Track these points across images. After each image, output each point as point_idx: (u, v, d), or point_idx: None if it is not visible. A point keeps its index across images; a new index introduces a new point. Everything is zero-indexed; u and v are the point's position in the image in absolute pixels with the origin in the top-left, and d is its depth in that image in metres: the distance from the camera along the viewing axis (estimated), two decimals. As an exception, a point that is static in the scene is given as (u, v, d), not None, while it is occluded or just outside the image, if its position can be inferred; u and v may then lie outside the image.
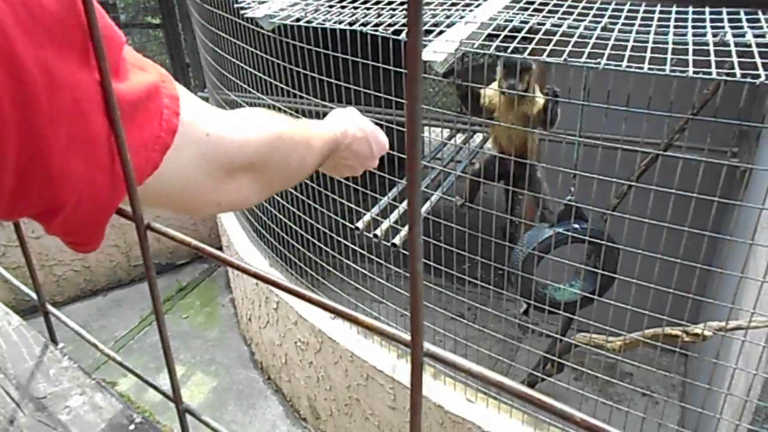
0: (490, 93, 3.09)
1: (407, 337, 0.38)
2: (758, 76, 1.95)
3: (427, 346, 0.38)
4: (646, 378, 4.84)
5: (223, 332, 6.06)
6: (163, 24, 6.86)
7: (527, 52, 2.32)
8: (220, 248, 6.42)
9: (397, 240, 3.19)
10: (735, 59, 2.09)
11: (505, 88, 2.94)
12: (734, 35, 2.28)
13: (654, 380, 4.84)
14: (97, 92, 0.48)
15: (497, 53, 2.32)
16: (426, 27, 2.49)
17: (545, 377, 3.95)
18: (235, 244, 5.22)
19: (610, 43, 2.29)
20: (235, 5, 3.23)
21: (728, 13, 2.49)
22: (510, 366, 4.48)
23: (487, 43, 2.37)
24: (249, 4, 3.08)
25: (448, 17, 2.64)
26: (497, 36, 2.49)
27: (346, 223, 3.50)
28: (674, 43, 2.22)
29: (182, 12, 6.50)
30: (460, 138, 4.50)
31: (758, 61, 2.05)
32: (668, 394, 4.79)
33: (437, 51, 2.31)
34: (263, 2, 3.08)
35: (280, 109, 3.74)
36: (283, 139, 0.72)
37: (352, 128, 0.98)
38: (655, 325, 2.80)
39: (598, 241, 2.93)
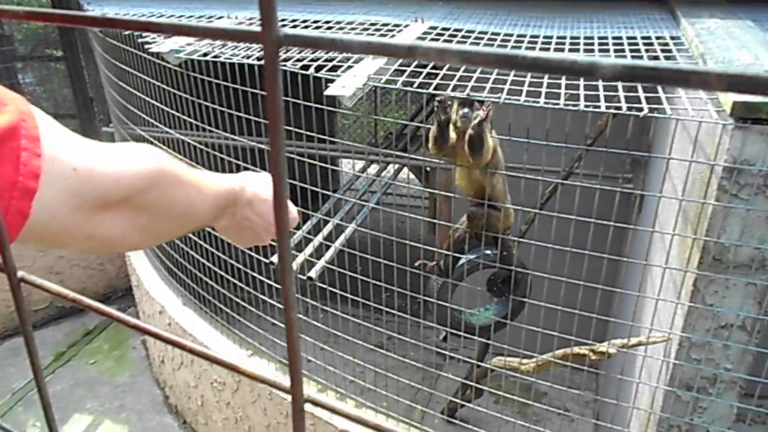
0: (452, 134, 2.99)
1: (287, 384, 0.38)
2: (641, 109, 2.11)
3: (307, 392, 0.38)
4: (561, 397, 5.00)
5: (134, 376, 5.76)
6: (64, 57, 6.58)
7: (432, 87, 2.40)
8: (129, 288, 6.14)
9: (313, 273, 3.17)
10: (621, 93, 2.25)
11: (459, 118, 2.83)
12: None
13: (569, 398, 5.00)
14: None
15: (404, 88, 2.38)
16: (335, 62, 2.53)
17: (465, 403, 4.00)
18: (145, 284, 5.01)
19: (509, 78, 2.41)
20: (139, 39, 3.15)
21: (614, 51, 2.69)
22: (431, 394, 4.51)
23: (394, 78, 2.43)
24: (154, 38, 3.02)
25: (355, 53, 2.69)
26: (404, 71, 2.56)
27: (261, 258, 3.44)
28: (567, 78, 2.36)
29: (84, 45, 6.27)
30: (374, 169, 4.55)
31: (642, 95, 2.22)
32: (582, 411, 4.96)
33: (345, 86, 2.35)
34: (169, 37, 3.03)
35: (189, 144, 3.66)
36: (165, 174, 0.68)
37: (257, 187, 0.93)
38: (566, 345, 2.92)
39: (508, 267, 3.03)
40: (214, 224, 0.86)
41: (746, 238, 2.13)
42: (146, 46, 3.06)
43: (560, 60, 0.23)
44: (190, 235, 4.08)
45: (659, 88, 2.26)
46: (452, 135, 2.90)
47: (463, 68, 2.53)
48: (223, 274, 3.86)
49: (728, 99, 2.00)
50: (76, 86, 6.64)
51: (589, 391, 5.06)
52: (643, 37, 2.85)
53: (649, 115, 2.12)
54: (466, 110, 2.80)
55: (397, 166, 4.33)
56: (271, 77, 0.30)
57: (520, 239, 3.29)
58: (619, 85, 2.36)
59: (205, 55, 2.76)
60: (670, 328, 2.46)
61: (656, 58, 2.61)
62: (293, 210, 0.98)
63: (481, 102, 2.74)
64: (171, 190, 0.70)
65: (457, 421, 4.48)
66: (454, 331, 3.29)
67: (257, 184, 0.93)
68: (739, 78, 0.21)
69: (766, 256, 2.15)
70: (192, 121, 3.51)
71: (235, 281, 3.77)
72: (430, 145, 2.91)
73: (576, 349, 2.87)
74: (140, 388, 5.60)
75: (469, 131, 2.76)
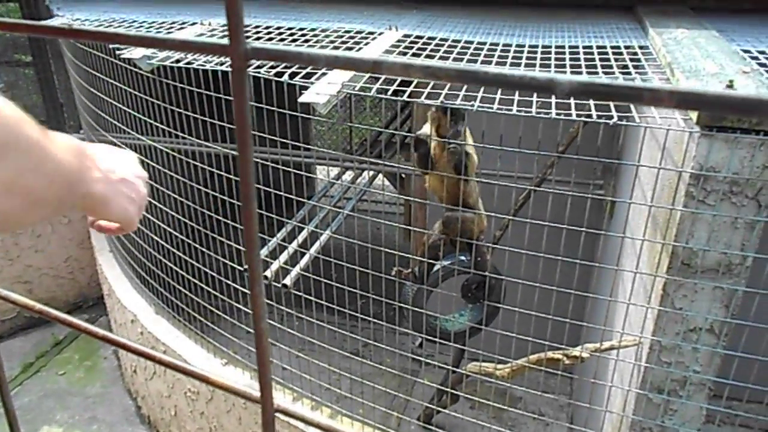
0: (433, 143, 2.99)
1: (257, 394, 0.38)
2: (611, 117, 2.15)
3: (278, 402, 0.38)
4: (536, 401, 5.03)
5: (105, 387, 5.65)
6: (33, 62, 6.47)
7: (406, 95, 2.41)
8: (101, 297, 6.04)
9: (288, 281, 3.15)
10: (592, 102, 2.29)
11: (449, 135, 2.84)
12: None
13: (544, 403, 5.04)
14: None
15: (378, 95, 2.39)
16: (308, 69, 2.53)
17: (441, 409, 4.01)
18: (116, 292, 4.93)
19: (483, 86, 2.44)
20: (111, 45, 3.12)
21: (585, 60, 2.73)
22: (407, 401, 4.51)
23: (368, 85, 2.44)
24: (123, 46, 2.99)
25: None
26: (378, 78, 2.57)
27: (235, 266, 3.41)
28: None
29: (54, 50, 6.17)
30: (349, 176, 4.56)
31: (611, 103, 2.26)
32: (557, 415, 5.01)
33: (320, 93, 2.35)
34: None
35: (160, 150, 3.62)
36: (7, 116, 0.60)
37: (108, 152, 0.85)
38: (540, 350, 2.95)
39: (482, 273, 3.05)
40: (88, 185, 0.76)
41: (713, 242, 2.18)
42: (118, 52, 3.03)
43: (520, 77, 0.24)
44: (164, 242, 4.03)
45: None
46: (432, 147, 2.94)
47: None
48: (196, 282, 3.82)
49: (694, 107, 2.05)
50: (45, 91, 6.53)
51: (563, 395, 5.11)
52: (612, 47, 2.91)
53: (619, 123, 2.16)
54: (459, 128, 2.83)
55: (372, 172, 4.34)
56: (239, 90, 0.30)
57: (494, 245, 3.32)
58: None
59: (177, 61, 2.74)
60: (641, 332, 2.50)
61: (625, 67, 2.67)
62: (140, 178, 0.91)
63: (458, 110, 2.77)
64: (20, 129, 0.63)
65: (433, 428, 4.49)
66: (429, 338, 3.30)
67: (112, 155, 0.87)
68: (688, 95, 0.22)
69: (732, 260, 2.20)
70: (164, 127, 3.47)
71: (209, 289, 3.73)
72: (416, 165, 2.97)
73: (550, 354, 2.90)
74: (112, 399, 5.50)
75: (451, 160, 2.84)
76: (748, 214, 2.12)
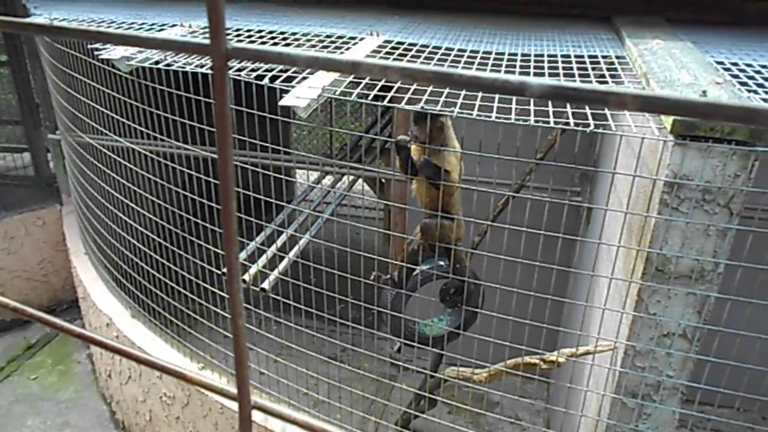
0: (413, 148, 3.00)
1: (234, 391, 0.38)
2: (588, 125, 2.18)
3: (254, 398, 0.38)
4: (513, 406, 5.07)
5: (78, 392, 5.56)
6: (9, 61, 6.36)
7: (387, 99, 2.42)
8: (75, 300, 5.94)
9: (266, 284, 3.14)
10: (570, 110, 2.33)
11: (410, 137, 2.88)
12: (568, 88, 2.54)
13: (521, 408, 5.08)
14: None
15: (359, 100, 2.40)
16: (289, 73, 2.53)
17: (419, 414, 4.02)
18: (91, 295, 4.86)
19: (463, 92, 2.46)
20: (89, 46, 3.09)
21: (563, 69, 2.77)
22: (385, 406, 4.51)
23: (348, 90, 2.45)
24: (104, 45, 2.96)
25: (311, 64, 2.70)
26: (359, 83, 2.58)
27: (213, 269, 3.39)
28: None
29: (30, 49, 6.08)
30: (329, 180, 4.56)
31: (588, 111, 2.30)
32: (534, 420, 5.04)
33: (300, 96, 2.35)
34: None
35: (139, 153, 3.59)
36: None
37: None
38: (517, 355, 2.97)
39: (461, 278, 3.07)
40: None
41: (686, 249, 2.23)
42: (96, 53, 3.00)
43: (493, 79, 0.25)
44: (141, 245, 3.99)
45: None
46: (414, 152, 2.96)
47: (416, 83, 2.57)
48: (174, 285, 3.79)
49: (669, 117, 2.10)
50: (21, 91, 6.43)
51: (540, 399, 5.15)
52: (590, 56, 2.95)
53: (596, 131, 2.20)
54: (414, 128, 2.86)
55: (352, 177, 4.34)
56: (220, 90, 0.31)
57: (473, 250, 3.34)
58: (568, 101, 2.43)
59: (156, 63, 2.72)
60: (616, 337, 2.53)
61: (602, 76, 2.71)
62: None
63: (437, 116, 2.79)
64: None
65: (410, 432, 4.49)
66: (408, 342, 3.30)
67: None
68: (652, 99, 0.23)
69: (704, 267, 2.25)
70: (142, 129, 3.44)
71: (187, 293, 3.70)
72: (399, 169, 2.97)
73: (527, 359, 2.92)
74: (85, 404, 5.41)
75: (424, 172, 2.84)
76: (720, 221, 2.17)
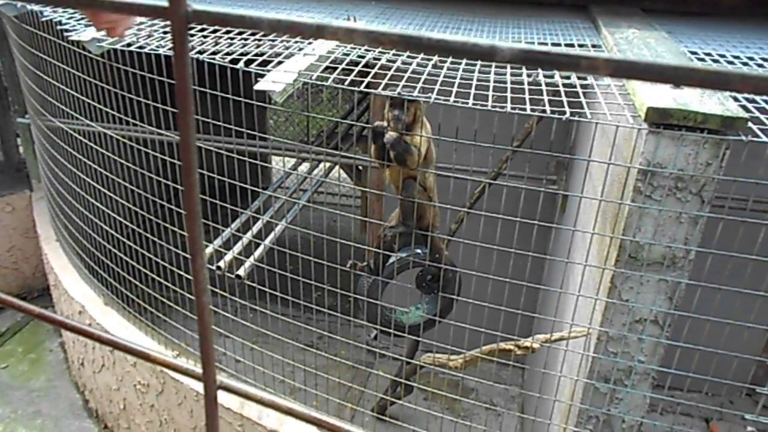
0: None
1: (199, 370, 0.37)
2: (564, 113, 2.19)
3: (220, 378, 0.37)
4: (489, 392, 5.12)
5: (50, 380, 5.48)
6: (-25, 43, 6.18)
7: (363, 84, 2.40)
8: (46, 288, 5.84)
9: (241, 272, 3.11)
10: (546, 98, 2.33)
11: (390, 119, 2.84)
12: (545, 76, 2.55)
13: (496, 394, 5.14)
14: None
15: (335, 85, 2.38)
16: (264, 57, 2.50)
17: (395, 400, 4.04)
18: (63, 283, 4.77)
19: (440, 79, 2.45)
20: (59, 27, 3.01)
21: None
22: (362, 392, 4.53)
23: (325, 75, 2.42)
24: (74, 26, 2.89)
25: (287, 48, 2.67)
26: (335, 68, 2.55)
27: (187, 256, 3.34)
28: (495, 81, 2.43)
29: (-2, 31, 5.91)
30: (305, 167, 4.52)
31: (564, 99, 2.31)
32: (508, 405, 5.11)
33: (276, 81, 2.32)
34: (90, 25, 2.89)
35: (111, 137, 3.52)
36: None
37: None
38: (493, 341, 2.99)
39: (437, 265, 3.07)
40: None
41: (659, 236, 2.26)
42: (66, 35, 2.92)
43: (462, 43, 0.24)
44: (112, 231, 3.92)
45: (580, 94, 2.36)
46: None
47: (394, 68, 2.55)
48: (147, 272, 3.73)
49: (643, 105, 2.11)
50: (-12, 74, 6.26)
51: (515, 385, 5.21)
52: (566, 44, 2.96)
53: (571, 119, 2.21)
54: (396, 112, 2.82)
55: (328, 164, 4.31)
56: (180, 55, 0.30)
57: (450, 237, 3.35)
58: (544, 88, 2.44)
59: (128, 45, 2.66)
60: (590, 323, 2.57)
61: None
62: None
63: (412, 101, 2.77)
64: None
65: (387, 418, 4.52)
66: (384, 329, 3.31)
67: None
68: (623, 64, 0.22)
69: (676, 254, 2.28)
70: (115, 114, 3.37)
71: (161, 280, 3.65)
72: (373, 156, 2.95)
73: (502, 345, 2.95)
74: (57, 393, 5.34)
75: (391, 152, 2.81)
76: (692, 209, 2.20)
